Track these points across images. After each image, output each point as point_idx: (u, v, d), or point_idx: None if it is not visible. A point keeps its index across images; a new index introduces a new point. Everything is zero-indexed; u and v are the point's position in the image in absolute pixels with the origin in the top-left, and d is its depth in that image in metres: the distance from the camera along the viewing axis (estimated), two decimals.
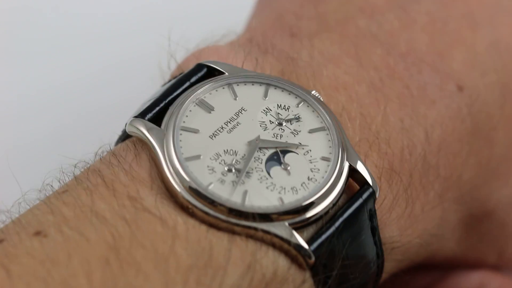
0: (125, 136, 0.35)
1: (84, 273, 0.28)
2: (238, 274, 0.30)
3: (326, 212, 0.33)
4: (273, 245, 0.32)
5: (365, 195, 0.34)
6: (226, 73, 0.36)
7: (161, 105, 0.35)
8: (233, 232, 0.32)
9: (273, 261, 0.31)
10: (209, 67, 0.36)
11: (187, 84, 0.36)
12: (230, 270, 0.30)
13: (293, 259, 0.32)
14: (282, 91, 0.36)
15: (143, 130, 0.34)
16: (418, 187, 0.36)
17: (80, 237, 0.30)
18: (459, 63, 0.38)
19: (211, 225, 0.31)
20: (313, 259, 0.32)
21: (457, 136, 0.37)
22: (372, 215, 0.34)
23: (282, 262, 0.32)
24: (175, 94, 0.35)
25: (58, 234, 0.30)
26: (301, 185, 0.33)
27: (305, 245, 0.32)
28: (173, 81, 0.36)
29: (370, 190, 0.34)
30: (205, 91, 0.35)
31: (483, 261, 0.42)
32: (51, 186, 0.34)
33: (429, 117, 0.36)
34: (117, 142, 0.36)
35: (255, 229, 0.32)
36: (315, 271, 0.32)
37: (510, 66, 0.39)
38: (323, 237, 0.32)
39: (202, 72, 0.36)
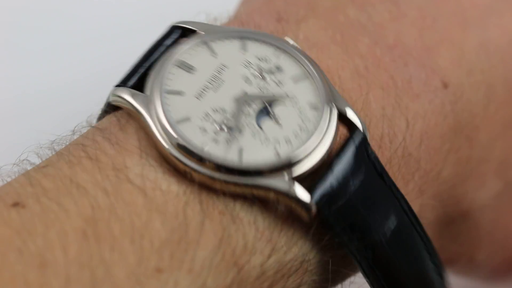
0: (106, 110, 0.35)
1: (60, 245, 0.28)
2: (210, 248, 0.30)
3: (322, 160, 0.33)
4: (277, 201, 0.32)
5: (356, 140, 0.34)
6: (202, 32, 0.36)
7: (141, 71, 0.34)
8: (234, 194, 0.32)
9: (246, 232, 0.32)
10: (183, 28, 0.36)
11: (163, 48, 0.35)
12: (203, 243, 0.30)
13: (297, 216, 0.32)
14: (260, 43, 0.36)
15: (128, 97, 0.33)
16: (397, 176, 0.35)
17: (59, 208, 0.29)
18: (446, 60, 0.38)
19: (209, 188, 0.31)
20: (314, 209, 0.32)
21: (439, 132, 0.37)
22: (371, 156, 0.34)
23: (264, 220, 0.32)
24: (153, 59, 0.35)
25: (36, 204, 0.29)
26: (294, 135, 0.33)
27: (307, 196, 0.32)
28: (148, 46, 0.35)
29: (362, 135, 0.34)
30: (183, 51, 0.35)
31: (452, 263, 0.42)
32: (28, 160, 0.33)
33: (412, 109, 0.36)
34: (100, 118, 0.35)
35: (255, 186, 0.32)
36: (323, 221, 0.32)
37: (497, 67, 0.39)
38: (323, 185, 0.32)
39: (177, 34, 0.36)
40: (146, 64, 0.34)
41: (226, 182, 0.32)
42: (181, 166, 0.32)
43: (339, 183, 0.33)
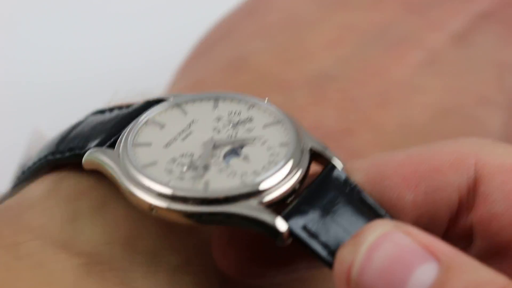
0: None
1: None
2: None
3: (293, 190, 0.33)
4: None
5: (335, 173, 0.34)
6: (171, 98, 0.37)
7: (119, 135, 0.35)
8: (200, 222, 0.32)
9: None
10: (158, 100, 0.37)
11: (135, 113, 0.36)
12: None
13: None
14: (231, 101, 0.37)
15: (101, 156, 0.34)
16: None
17: None
18: (366, 141, 0.40)
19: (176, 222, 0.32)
20: (286, 233, 0.31)
21: None
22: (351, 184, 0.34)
23: None
24: (124, 123, 0.36)
25: None
26: (262, 168, 0.33)
27: (273, 220, 0.31)
28: (124, 114, 0.37)
29: (331, 165, 0.34)
30: (155, 114, 0.36)
31: None
32: None
33: None
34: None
35: (222, 213, 0.32)
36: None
37: (418, 145, 0.39)
38: (293, 210, 0.32)
39: (152, 106, 0.36)
40: (122, 130, 0.35)
41: (192, 213, 0.32)
42: (145, 205, 0.32)
43: (309, 206, 0.32)
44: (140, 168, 0.33)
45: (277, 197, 0.32)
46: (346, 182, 0.34)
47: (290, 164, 0.33)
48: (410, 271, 0.29)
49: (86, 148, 0.35)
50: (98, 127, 0.37)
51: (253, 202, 0.32)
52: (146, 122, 0.35)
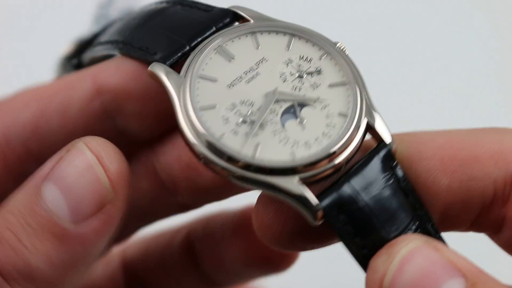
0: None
1: None
2: None
3: (339, 167, 0.32)
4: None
5: (381, 153, 0.33)
6: (252, 21, 0.36)
7: (184, 50, 0.35)
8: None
9: None
10: (235, 13, 0.36)
11: (212, 29, 0.36)
12: None
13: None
14: (306, 42, 0.35)
15: (162, 75, 0.34)
16: None
17: None
18: None
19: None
20: (320, 214, 0.31)
21: None
22: (400, 178, 0.33)
23: None
24: (199, 39, 0.35)
25: None
26: (315, 140, 0.33)
27: (314, 200, 0.32)
28: (199, 20, 0.37)
29: (387, 149, 0.33)
30: (227, 38, 0.35)
31: None
32: None
33: None
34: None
35: (264, 182, 0.32)
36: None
37: None
38: (335, 192, 0.32)
39: (227, 19, 0.36)
40: (191, 43, 0.35)
41: (236, 175, 0.32)
42: (196, 151, 0.32)
43: (353, 193, 0.32)
44: (198, 110, 0.32)
45: (321, 176, 0.32)
46: (395, 169, 0.33)
47: (342, 141, 0.32)
48: (439, 284, 0.30)
49: (153, 58, 0.35)
50: (171, 32, 0.36)
51: (296, 178, 0.32)
52: (215, 48, 0.34)
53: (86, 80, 0.39)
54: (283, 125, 0.33)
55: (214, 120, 0.33)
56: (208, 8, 0.37)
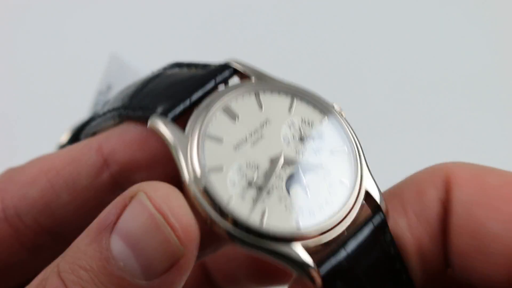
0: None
1: None
2: None
3: (338, 236, 0.33)
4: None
5: (376, 222, 0.34)
6: (252, 76, 0.36)
7: (186, 103, 0.35)
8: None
9: None
10: (235, 69, 0.36)
11: (212, 83, 0.36)
12: None
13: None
14: (308, 104, 0.36)
15: (167, 133, 0.33)
16: None
17: None
18: None
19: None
20: (319, 280, 0.32)
21: None
22: (389, 244, 0.34)
23: None
24: (200, 93, 0.35)
25: None
26: (319, 208, 0.33)
27: (314, 267, 0.32)
28: (198, 75, 0.36)
29: (382, 217, 0.34)
30: (232, 97, 0.35)
31: None
32: None
33: None
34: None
35: (267, 249, 0.32)
36: None
37: None
38: (333, 260, 0.32)
39: (228, 73, 0.36)
40: (192, 97, 0.35)
41: (243, 241, 0.32)
42: (203, 214, 0.32)
43: (350, 261, 0.33)
44: (206, 172, 0.32)
45: (322, 244, 0.33)
46: (390, 245, 0.34)
47: (344, 209, 0.33)
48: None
49: (154, 113, 0.34)
50: (170, 89, 0.36)
51: (300, 245, 0.32)
52: (221, 107, 0.34)
53: (91, 153, 0.38)
54: (288, 191, 0.33)
55: (222, 183, 0.32)
56: (206, 65, 0.37)
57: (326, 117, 0.35)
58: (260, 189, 0.33)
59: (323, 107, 0.36)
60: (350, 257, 0.33)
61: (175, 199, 0.32)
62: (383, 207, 0.34)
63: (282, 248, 0.32)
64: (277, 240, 0.32)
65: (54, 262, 0.33)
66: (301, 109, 0.35)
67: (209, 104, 0.34)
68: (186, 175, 0.33)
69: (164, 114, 0.34)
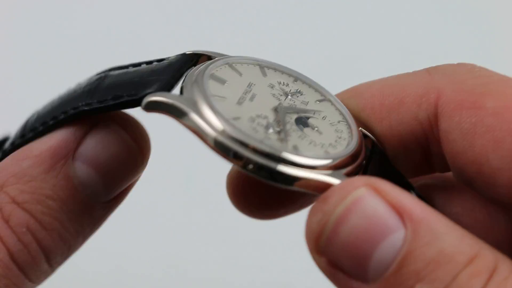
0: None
1: None
2: None
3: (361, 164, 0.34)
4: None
5: (376, 149, 0.36)
6: (217, 57, 0.36)
7: (172, 81, 0.34)
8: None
9: None
10: (195, 53, 0.37)
11: (188, 65, 0.36)
12: None
13: None
14: (275, 71, 0.37)
15: (168, 99, 0.33)
16: None
17: None
18: None
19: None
20: None
21: None
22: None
23: None
24: (180, 73, 0.35)
25: None
26: (336, 141, 0.34)
27: None
28: (169, 63, 0.36)
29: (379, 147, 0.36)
30: (211, 68, 0.35)
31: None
32: None
33: None
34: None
35: (313, 179, 0.32)
36: None
37: None
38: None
39: (196, 58, 0.37)
40: (175, 77, 0.35)
41: (284, 175, 0.32)
42: (245, 160, 0.32)
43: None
44: (229, 120, 0.32)
45: (351, 171, 0.33)
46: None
47: (355, 141, 0.34)
48: (375, 246, 0.28)
49: (142, 93, 0.33)
50: (145, 76, 0.35)
51: (340, 172, 0.33)
52: (208, 75, 0.34)
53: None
54: (303, 131, 0.34)
55: (247, 128, 0.33)
56: (162, 59, 0.37)
57: (296, 78, 0.37)
58: (279, 132, 0.33)
59: (289, 71, 0.37)
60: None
61: (139, 126, 0.34)
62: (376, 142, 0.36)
63: (323, 176, 0.32)
64: (315, 168, 0.32)
65: None
66: (273, 74, 0.37)
67: (195, 74, 0.34)
68: (210, 132, 0.32)
69: (161, 90, 0.34)
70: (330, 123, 0.35)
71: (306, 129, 0.34)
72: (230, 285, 0.69)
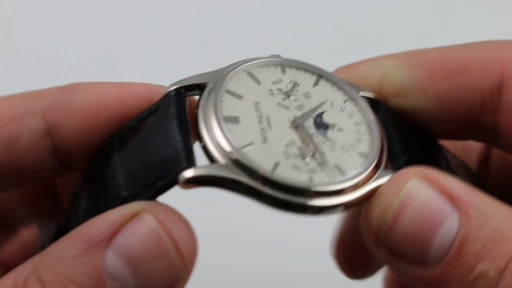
0: None
1: None
2: None
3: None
4: None
5: (383, 107, 0.38)
6: (208, 82, 0.36)
7: (191, 143, 0.34)
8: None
9: None
10: (181, 87, 0.36)
11: (182, 109, 0.35)
12: None
13: None
14: (261, 69, 0.36)
15: (215, 171, 0.32)
16: None
17: None
18: None
19: None
20: None
21: None
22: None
23: None
24: (183, 123, 0.34)
25: None
26: (357, 131, 0.34)
27: None
28: (164, 124, 0.35)
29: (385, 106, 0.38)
30: (219, 113, 0.34)
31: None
32: None
33: None
34: None
35: (372, 189, 0.33)
36: None
37: None
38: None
39: (182, 95, 0.36)
40: (183, 132, 0.34)
41: (351, 203, 0.32)
42: (303, 209, 0.32)
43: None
44: (271, 173, 0.31)
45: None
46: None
47: (372, 120, 0.35)
48: (433, 233, 0.30)
49: (177, 170, 0.32)
50: (160, 149, 0.34)
51: (379, 174, 0.34)
52: (225, 120, 0.33)
53: (34, 117, 0.36)
54: (328, 139, 0.34)
55: (289, 173, 0.32)
56: (154, 108, 0.36)
57: (283, 66, 0.36)
58: (313, 155, 0.33)
59: (272, 62, 0.36)
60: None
61: (182, 224, 0.32)
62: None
63: (380, 177, 0.33)
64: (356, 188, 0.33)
65: (26, 265, 0.32)
66: (262, 75, 0.36)
67: (213, 128, 0.34)
68: (280, 197, 0.32)
69: (189, 166, 0.32)
70: (340, 110, 0.34)
71: (329, 133, 0.34)
72: (230, 285, 0.69)
